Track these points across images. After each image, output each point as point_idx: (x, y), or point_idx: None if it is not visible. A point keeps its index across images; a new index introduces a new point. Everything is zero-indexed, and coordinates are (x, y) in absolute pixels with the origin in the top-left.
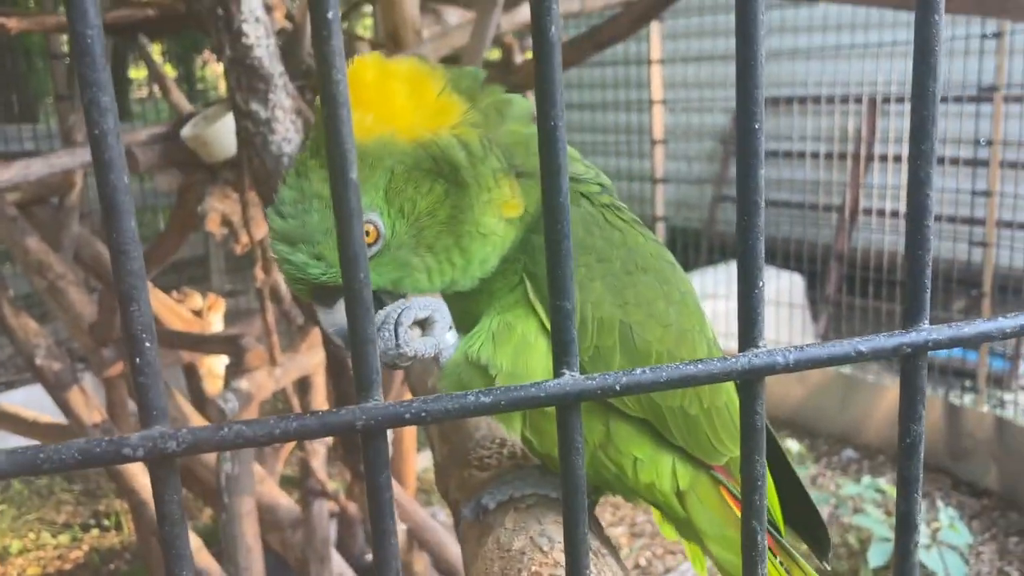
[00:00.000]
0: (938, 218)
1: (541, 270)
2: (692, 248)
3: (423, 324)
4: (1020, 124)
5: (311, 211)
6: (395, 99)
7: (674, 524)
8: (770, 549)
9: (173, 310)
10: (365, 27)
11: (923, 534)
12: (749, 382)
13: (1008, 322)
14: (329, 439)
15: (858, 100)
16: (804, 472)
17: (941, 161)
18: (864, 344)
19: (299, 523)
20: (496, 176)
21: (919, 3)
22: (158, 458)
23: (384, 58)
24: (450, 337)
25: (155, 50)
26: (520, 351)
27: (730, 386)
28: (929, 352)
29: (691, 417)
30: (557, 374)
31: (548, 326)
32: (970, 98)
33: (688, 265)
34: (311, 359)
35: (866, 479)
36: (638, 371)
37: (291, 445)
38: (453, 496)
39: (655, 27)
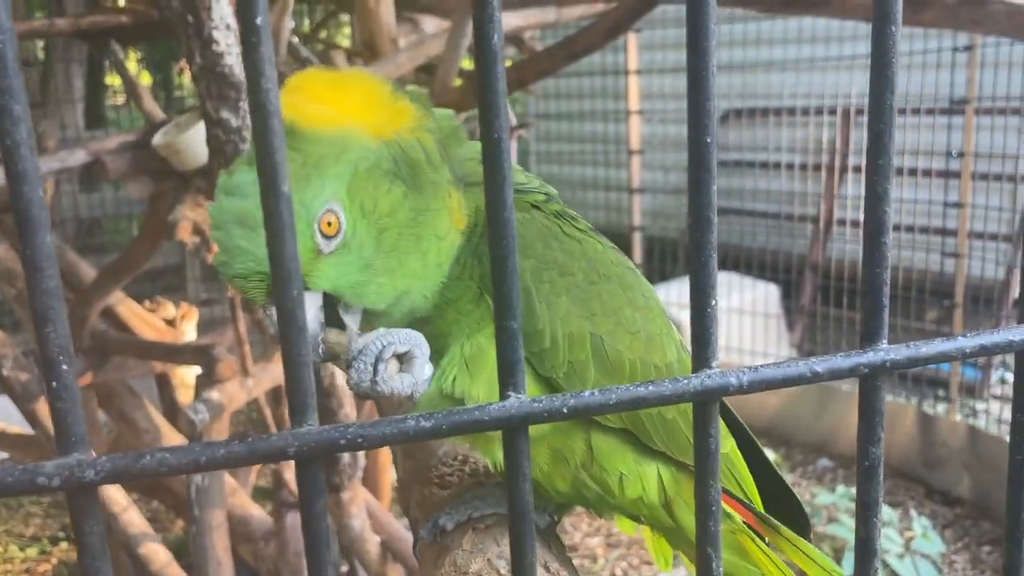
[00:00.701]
0: (910, 229)
1: None
2: (669, 257)
3: (401, 358)
4: (991, 136)
5: None
6: (353, 98)
7: (663, 534)
8: (755, 530)
9: (146, 320)
10: (344, 35)
11: (896, 543)
12: (703, 403)
13: (967, 341)
14: None
15: (832, 112)
16: None
17: (914, 173)
18: (820, 365)
19: (272, 535)
20: (447, 185)
21: (875, 15)
22: (76, 487)
23: (328, 69)
24: (427, 370)
25: (132, 57)
26: (495, 377)
27: None
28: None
29: (669, 421)
30: (503, 396)
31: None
32: (942, 110)
33: (665, 275)
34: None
35: (840, 488)
36: (586, 394)
37: None
38: (413, 514)
39: (632, 38)
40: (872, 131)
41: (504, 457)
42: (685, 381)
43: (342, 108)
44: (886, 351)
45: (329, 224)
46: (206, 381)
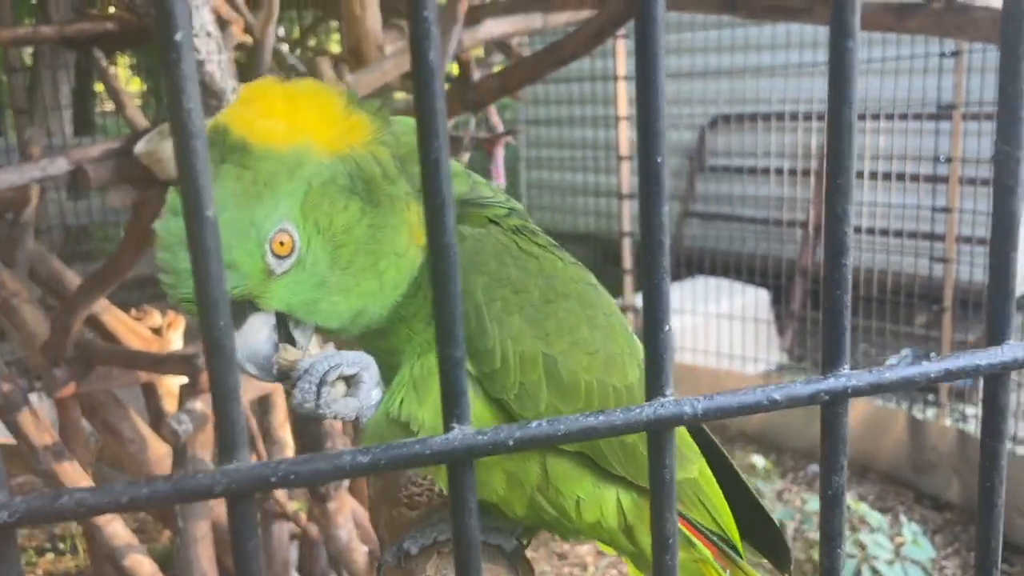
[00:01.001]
0: (899, 234)
1: None
2: None
3: (349, 381)
4: (978, 141)
5: (224, 210)
6: (306, 113)
7: (628, 558)
8: (725, 568)
9: (132, 328)
10: (335, 41)
11: (886, 549)
12: (657, 433)
13: (932, 366)
14: (289, 445)
15: (821, 117)
16: (770, 487)
17: (902, 177)
18: (778, 392)
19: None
20: (406, 198)
21: (832, 27)
22: None
23: (281, 80)
24: (376, 394)
25: (123, 63)
26: None
27: None
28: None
29: (628, 445)
30: (446, 428)
31: (471, 369)
32: (929, 116)
33: None
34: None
35: None
36: (533, 425)
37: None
38: (381, 534)
39: (621, 44)
40: (832, 150)
41: (449, 491)
42: (638, 410)
43: (295, 123)
44: (847, 377)
45: (282, 244)
46: (190, 391)
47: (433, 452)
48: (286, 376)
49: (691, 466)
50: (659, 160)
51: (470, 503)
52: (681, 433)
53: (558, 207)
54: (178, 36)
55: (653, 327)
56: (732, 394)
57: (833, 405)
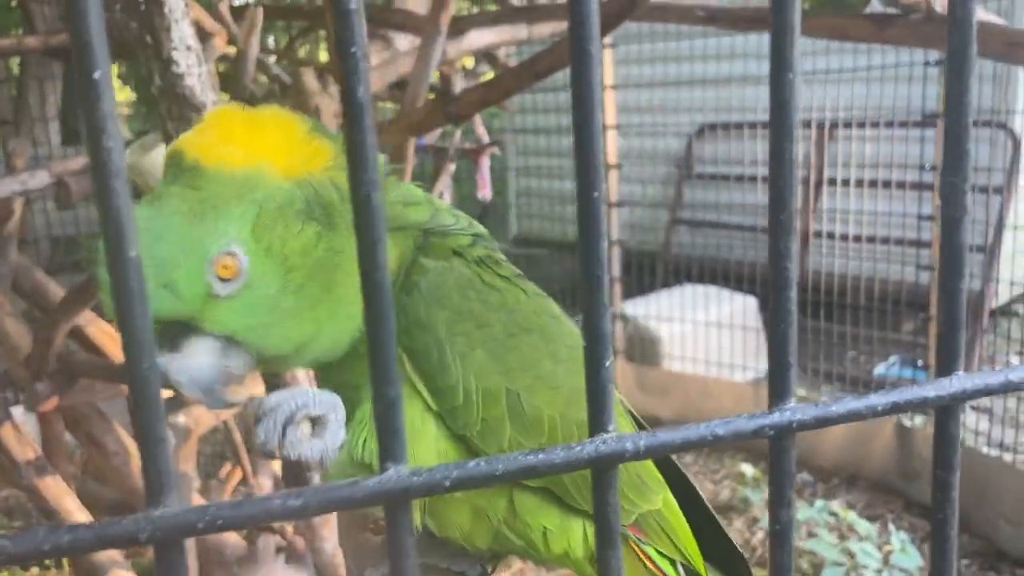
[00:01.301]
0: (886, 241)
1: (417, 343)
2: (648, 271)
3: (314, 421)
4: None
5: (168, 231)
6: (266, 138)
7: None
8: None
9: (116, 340)
10: (324, 50)
11: (875, 558)
12: (599, 471)
13: (879, 399)
14: (276, 470)
15: (807, 125)
16: (759, 496)
17: (888, 185)
18: (722, 427)
19: (245, 560)
20: None
21: (772, 60)
22: None
23: (243, 107)
24: (341, 435)
25: (114, 72)
26: (408, 440)
27: (626, 426)
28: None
29: (587, 477)
30: (382, 469)
31: (433, 405)
32: (915, 123)
33: (644, 288)
34: (253, 391)
35: (819, 503)
36: (471, 464)
37: (236, 477)
38: (348, 563)
39: (608, 53)
40: (773, 188)
41: (387, 533)
42: (578, 448)
43: (254, 148)
44: (792, 411)
45: (226, 267)
46: (173, 404)
47: (367, 494)
48: (230, 406)
49: (656, 497)
50: (596, 195)
51: (407, 546)
52: (647, 465)
53: (547, 215)
54: (97, 74)
55: (594, 363)
56: (675, 430)
57: (779, 439)
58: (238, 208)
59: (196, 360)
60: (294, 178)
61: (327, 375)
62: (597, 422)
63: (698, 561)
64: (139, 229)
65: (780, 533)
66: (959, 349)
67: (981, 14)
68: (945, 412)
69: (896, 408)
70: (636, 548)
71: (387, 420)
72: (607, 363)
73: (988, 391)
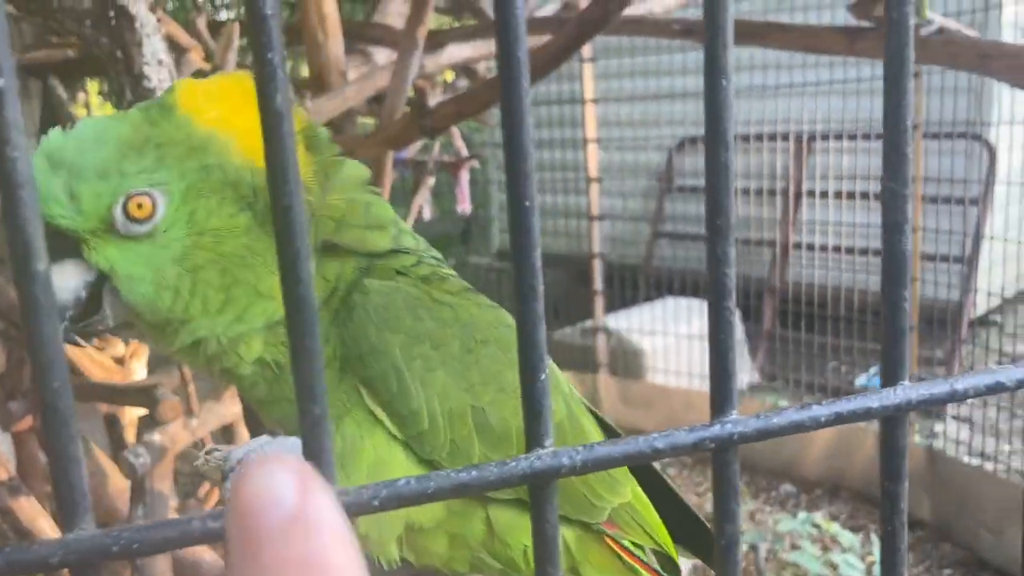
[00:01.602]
0: (864, 252)
1: (373, 371)
2: (630, 284)
3: None
4: (939, 160)
5: (103, 145)
6: (252, 116)
7: None
8: None
9: (93, 359)
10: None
11: (858, 569)
12: (535, 487)
13: (822, 410)
14: None
15: (786, 138)
16: (743, 509)
17: (866, 196)
18: (661, 441)
19: None
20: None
21: (706, 67)
22: None
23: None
24: None
25: (93, 89)
26: (376, 474)
27: (594, 435)
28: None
29: (564, 482)
30: None
31: (397, 433)
32: None
33: (626, 302)
34: (233, 408)
35: (802, 514)
36: (400, 482)
37: (215, 497)
38: None
39: (588, 67)
40: (709, 194)
41: None
42: (513, 464)
43: (234, 117)
44: (734, 423)
45: (140, 207)
46: (149, 423)
47: None
48: (75, 342)
49: (625, 490)
50: (528, 204)
51: None
52: None
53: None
54: (1, 82)
55: (529, 376)
56: (612, 444)
57: (721, 453)
58: (184, 162)
59: (58, 280)
60: (255, 165)
61: (280, 406)
62: (533, 436)
63: (669, 546)
64: (81, 129)
65: (726, 548)
66: (904, 358)
67: (955, 27)
68: (891, 423)
69: (840, 419)
70: (612, 543)
71: (314, 438)
72: (542, 376)
73: (933, 401)
